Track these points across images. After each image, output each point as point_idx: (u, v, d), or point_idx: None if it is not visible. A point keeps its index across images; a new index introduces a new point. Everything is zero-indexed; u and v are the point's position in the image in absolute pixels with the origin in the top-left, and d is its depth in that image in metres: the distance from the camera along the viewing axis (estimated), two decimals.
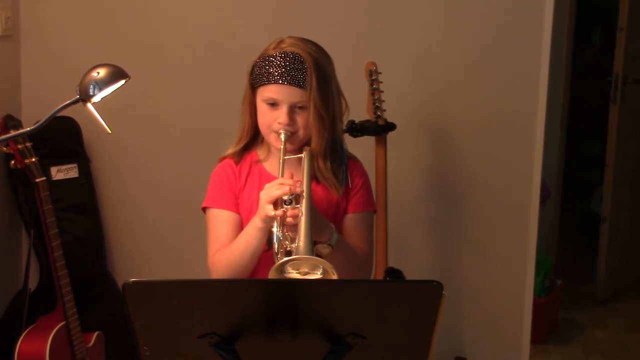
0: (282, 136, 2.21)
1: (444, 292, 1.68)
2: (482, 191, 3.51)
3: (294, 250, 1.97)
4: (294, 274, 1.88)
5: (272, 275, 1.88)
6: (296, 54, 2.19)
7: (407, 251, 3.51)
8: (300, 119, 2.22)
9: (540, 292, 4.27)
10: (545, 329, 4.36)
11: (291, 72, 2.18)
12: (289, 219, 2.05)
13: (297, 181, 2.12)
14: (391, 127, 3.16)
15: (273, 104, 2.22)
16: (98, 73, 2.11)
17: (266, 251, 2.18)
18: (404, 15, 3.42)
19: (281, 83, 2.18)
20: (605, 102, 4.88)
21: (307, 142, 2.27)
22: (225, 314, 1.73)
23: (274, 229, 2.08)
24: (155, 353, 1.75)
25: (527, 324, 3.57)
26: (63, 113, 2.15)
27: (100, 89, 2.10)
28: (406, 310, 1.73)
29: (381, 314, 1.73)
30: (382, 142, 3.15)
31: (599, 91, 5.45)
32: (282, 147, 2.20)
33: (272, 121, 2.22)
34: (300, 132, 2.24)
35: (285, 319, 1.73)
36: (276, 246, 2.07)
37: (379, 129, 3.14)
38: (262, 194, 2.12)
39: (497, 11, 3.40)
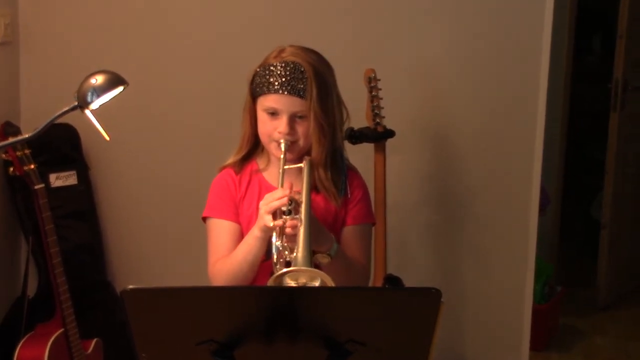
0: (282, 145, 2.21)
1: (442, 300, 1.68)
2: (482, 197, 3.51)
3: (293, 261, 1.97)
4: (292, 285, 1.88)
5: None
6: (297, 63, 2.19)
7: (407, 258, 3.50)
8: (300, 129, 2.22)
9: (541, 298, 4.26)
10: (546, 335, 4.35)
11: (291, 81, 2.18)
12: (288, 230, 2.05)
13: (297, 191, 2.12)
14: (390, 134, 3.16)
15: (273, 113, 2.22)
16: (96, 80, 2.11)
17: (264, 261, 2.18)
18: (403, 22, 3.42)
19: (281, 93, 2.18)
20: (605, 109, 4.88)
21: (308, 152, 2.27)
22: (223, 321, 1.73)
23: (273, 239, 2.08)
24: None
25: (526, 331, 3.56)
26: (62, 120, 2.15)
27: (98, 96, 2.11)
28: (405, 317, 1.73)
29: (380, 321, 1.73)
30: (381, 149, 3.15)
31: (600, 98, 5.45)
32: (282, 156, 2.20)
33: (273, 130, 2.22)
34: (301, 142, 2.24)
35: (284, 326, 1.73)
36: (275, 256, 2.07)
37: (378, 135, 3.13)
38: (261, 204, 2.12)
39: (497, 18, 3.40)
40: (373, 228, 2.50)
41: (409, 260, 3.51)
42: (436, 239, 3.56)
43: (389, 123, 3.15)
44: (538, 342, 4.08)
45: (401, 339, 1.76)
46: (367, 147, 3.12)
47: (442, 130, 3.48)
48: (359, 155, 2.59)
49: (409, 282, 3.12)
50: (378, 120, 3.13)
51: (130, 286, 1.67)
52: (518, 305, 3.54)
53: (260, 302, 1.73)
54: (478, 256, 3.53)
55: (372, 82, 3.11)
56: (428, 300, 1.70)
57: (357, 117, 2.91)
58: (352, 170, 2.39)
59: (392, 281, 3.07)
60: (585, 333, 4.63)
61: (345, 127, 2.39)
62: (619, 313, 4.93)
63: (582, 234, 5.94)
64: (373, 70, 3.12)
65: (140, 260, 3.60)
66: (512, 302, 3.56)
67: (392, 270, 3.15)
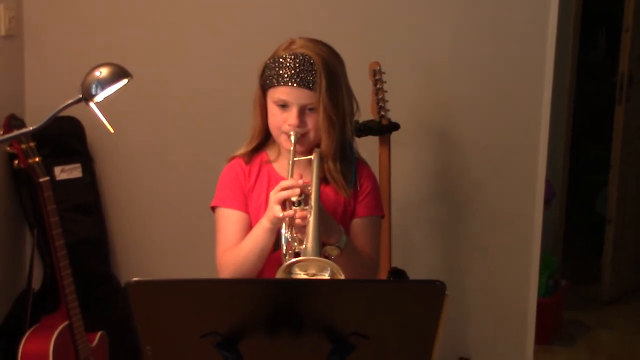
0: (292, 138, 2.21)
1: (447, 292, 1.68)
2: (487, 191, 3.50)
3: (302, 252, 1.97)
4: (301, 275, 1.88)
5: (279, 276, 1.88)
6: (306, 55, 2.19)
7: (411, 251, 3.50)
8: (310, 121, 2.22)
9: (545, 292, 4.26)
10: (550, 329, 4.35)
11: (301, 74, 2.17)
12: (297, 221, 2.05)
13: (307, 183, 2.12)
14: (395, 127, 3.16)
15: (283, 106, 2.21)
16: (100, 72, 2.11)
17: (273, 252, 2.18)
18: (409, 15, 3.41)
19: (291, 85, 2.18)
20: (610, 105, 4.88)
21: (318, 144, 2.27)
22: (227, 313, 1.72)
23: (283, 230, 2.08)
24: (158, 352, 1.75)
25: (531, 325, 3.56)
26: (66, 113, 2.15)
27: (103, 88, 2.10)
28: (409, 310, 1.73)
29: (384, 314, 1.73)
30: (385, 142, 3.15)
31: (605, 93, 5.45)
32: (292, 148, 2.20)
33: (283, 123, 2.22)
34: (311, 134, 2.24)
35: (288, 319, 1.73)
36: (284, 247, 2.07)
37: (382, 129, 3.13)
38: (271, 194, 2.12)
39: (502, 13, 3.39)
40: (381, 223, 2.50)
41: (414, 254, 3.51)
42: (441, 233, 3.56)
43: (393, 116, 3.15)
44: (542, 336, 4.08)
45: (405, 332, 1.76)
46: (372, 140, 3.12)
47: (447, 124, 3.48)
48: (363, 148, 2.58)
49: (413, 275, 3.12)
50: (383, 113, 3.13)
51: (135, 279, 1.67)
52: (523, 299, 3.54)
53: (265, 295, 1.73)
54: (483, 250, 3.53)
55: (376, 75, 3.11)
56: (432, 293, 1.69)
57: (362, 110, 2.91)
58: (361, 162, 2.39)
59: (397, 274, 3.07)
60: (589, 327, 4.63)
61: (355, 119, 2.39)
62: (623, 307, 4.93)
63: (587, 229, 5.93)
64: (378, 63, 3.12)
65: (145, 252, 3.61)
66: (516, 295, 3.56)
67: (396, 263, 3.16)
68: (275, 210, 2.07)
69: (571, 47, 4.90)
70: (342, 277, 1.86)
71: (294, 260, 1.90)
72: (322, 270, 1.88)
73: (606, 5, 6.42)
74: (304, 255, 1.93)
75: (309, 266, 1.88)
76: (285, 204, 2.09)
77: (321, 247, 1.98)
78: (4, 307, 3.31)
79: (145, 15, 3.48)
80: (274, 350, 1.76)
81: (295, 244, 2.05)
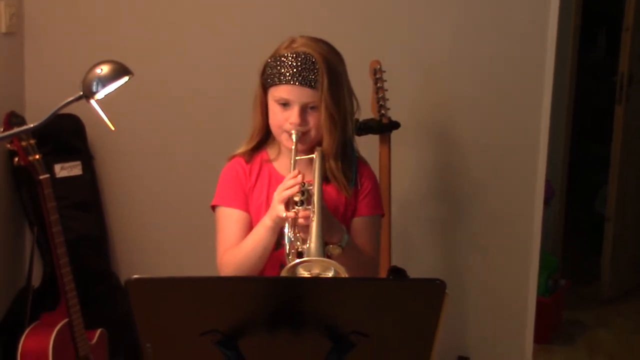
0: (294, 136, 2.20)
1: (446, 291, 1.68)
2: (487, 190, 3.51)
3: (305, 252, 1.97)
4: (305, 275, 1.88)
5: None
6: (308, 54, 2.19)
7: (411, 250, 3.51)
8: (312, 119, 2.22)
9: (545, 291, 4.27)
10: (550, 328, 4.35)
11: (302, 72, 2.17)
12: (300, 220, 2.05)
13: (309, 181, 2.12)
14: (395, 125, 3.16)
15: (285, 104, 2.21)
16: (101, 70, 2.11)
17: (274, 250, 2.19)
18: (409, 14, 3.41)
19: (292, 84, 2.18)
20: (610, 105, 4.88)
21: (319, 142, 2.27)
22: (228, 311, 1.72)
23: (285, 230, 2.08)
24: (158, 350, 1.75)
25: (530, 324, 3.57)
26: (67, 110, 2.15)
27: (104, 86, 2.10)
28: (409, 308, 1.73)
29: (384, 313, 1.73)
30: (386, 141, 3.15)
31: (605, 93, 5.45)
32: (293, 147, 2.20)
33: (284, 121, 2.22)
34: (312, 132, 2.24)
35: (288, 317, 1.73)
36: (287, 247, 2.07)
37: (383, 127, 3.13)
38: (275, 194, 2.12)
39: (502, 13, 3.39)
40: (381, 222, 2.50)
41: (414, 253, 3.51)
42: (441, 232, 3.56)
43: (394, 115, 3.15)
44: (542, 335, 4.09)
45: (405, 331, 1.76)
46: (372, 139, 3.12)
47: (447, 122, 3.48)
48: (363, 147, 2.59)
49: (413, 274, 3.12)
50: (383, 112, 3.13)
51: (135, 276, 1.67)
52: (522, 298, 3.54)
53: (265, 293, 1.73)
54: (483, 249, 3.53)
55: (377, 74, 3.11)
56: (432, 291, 1.69)
57: (362, 109, 2.91)
58: (362, 161, 2.39)
59: (397, 273, 3.07)
60: (588, 326, 4.63)
61: (355, 118, 2.39)
62: (622, 306, 4.93)
63: (586, 228, 5.94)
64: (378, 62, 3.12)
65: (145, 250, 3.61)
66: (516, 294, 3.56)
67: (396, 262, 3.16)
68: (279, 209, 2.07)
69: (571, 47, 4.90)
70: (346, 276, 1.86)
71: (298, 260, 1.89)
72: (325, 270, 1.87)
73: (606, 5, 6.43)
74: (307, 255, 1.93)
75: (313, 266, 1.88)
76: (288, 203, 2.09)
77: (324, 247, 1.98)
78: (3, 304, 3.31)
79: (145, 14, 3.48)
80: (274, 348, 1.76)
81: (298, 243, 2.05)
